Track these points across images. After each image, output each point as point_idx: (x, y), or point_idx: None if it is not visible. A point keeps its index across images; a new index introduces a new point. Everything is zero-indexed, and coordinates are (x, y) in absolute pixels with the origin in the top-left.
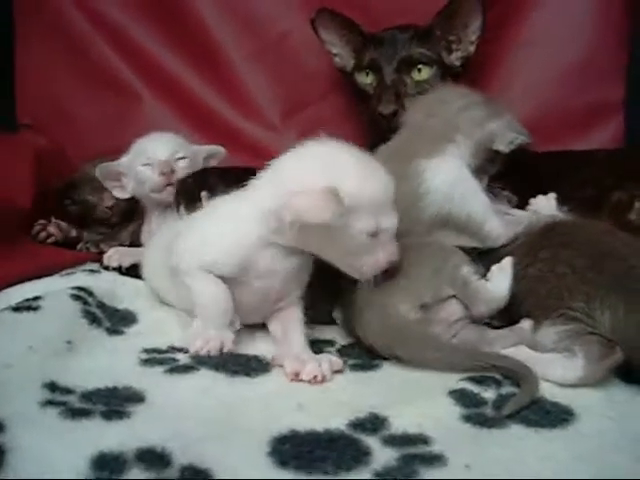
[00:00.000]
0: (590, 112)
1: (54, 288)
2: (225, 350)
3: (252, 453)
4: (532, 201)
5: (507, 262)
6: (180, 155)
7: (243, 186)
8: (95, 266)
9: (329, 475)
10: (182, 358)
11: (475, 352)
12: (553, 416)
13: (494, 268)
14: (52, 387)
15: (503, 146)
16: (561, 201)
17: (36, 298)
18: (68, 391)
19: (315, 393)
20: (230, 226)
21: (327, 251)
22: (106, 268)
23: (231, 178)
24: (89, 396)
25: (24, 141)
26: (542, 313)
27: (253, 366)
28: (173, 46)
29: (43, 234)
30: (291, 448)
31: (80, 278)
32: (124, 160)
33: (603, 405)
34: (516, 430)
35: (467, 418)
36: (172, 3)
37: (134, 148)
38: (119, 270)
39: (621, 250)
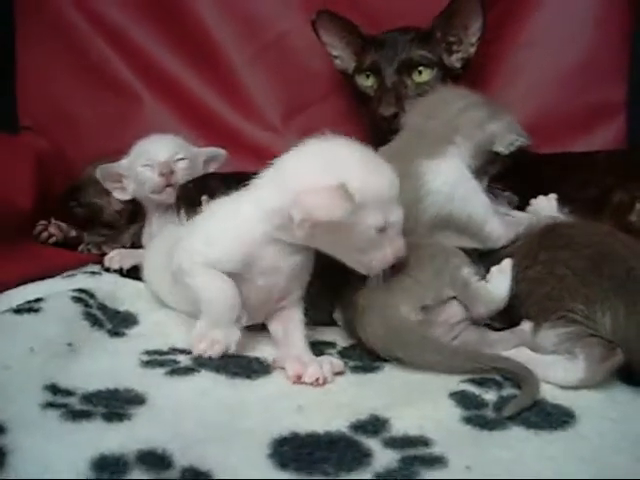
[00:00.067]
0: (591, 113)
1: (55, 290)
2: (230, 352)
3: (252, 455)
4: (533, 201)
5: (507, 264)
6: (180, 156)
7: (244, 187)
8: (96, 268)
9: (330, 476)
10: (183, 360)
11: (476, 354)
12: (554, 418)
13: (494, 270)
14: (53, 389)
15: (503, 148)
16: (562, 202)
17: (37, 300)
18: (69, 393)
19: (316, 395)
20: (233, 224)
21: (336, 248)
22: (107, 270)
23: (232, 183)
24: (90, 398)
25: (25, 143)
26: (542, 315)
27: (254, 368)
28: (174, 47)
29: (45, 234)
30: (291, 450)
31: (81, 280)
32: (124, 161)
33: (604, 407)
34: (517, 432)
35: (468, 420)
36: (172, 4)
37: (134, 150)
38: (120, 272)
39: (621, 252)
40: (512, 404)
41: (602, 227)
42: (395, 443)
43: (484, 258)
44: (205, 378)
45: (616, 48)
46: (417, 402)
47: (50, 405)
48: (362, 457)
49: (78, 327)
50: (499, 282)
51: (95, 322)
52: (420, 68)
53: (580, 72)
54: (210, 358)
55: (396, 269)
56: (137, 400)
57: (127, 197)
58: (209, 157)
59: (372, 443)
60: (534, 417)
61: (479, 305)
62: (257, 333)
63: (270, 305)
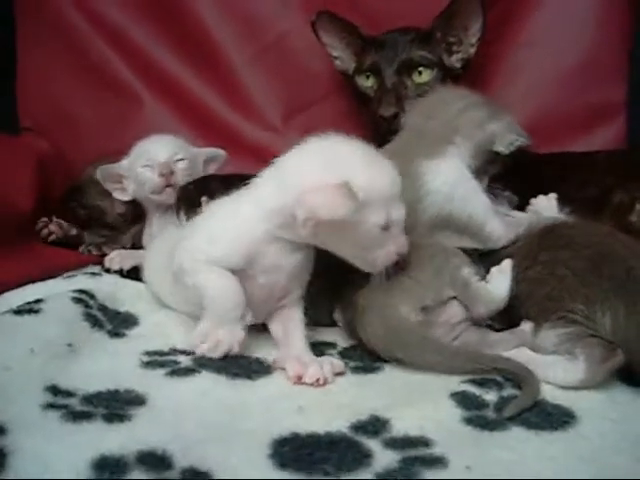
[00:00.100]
0: (592, 113)
1: (55, 291)
2: (233, 352)
3: (253, 455)
4: (533, 201)
5: (507, 264)
6: (180, 157)
7: (245, 186)
8: (97, 269)
9: (330, 477)
10: (183, 360)
11: (476, 354)
12: (554, 418)
13: (494, 270)
14: (53, 390)
15: (503, 147)
16: (562, 202)
17: (37, 301)
18: (69, 394)
19: (316, 395)
20: (234, 223)
21: (340, 246)
22: (107, 271)
23: (232, 185)
24: (90, 399)
25: (25, 144)
26: (542, 315)
27: (254, 368)
28: (174, 48)
29: (45, 231)
30: (292, 450)
31: (81, 281)
32: (124, 162)
33: (604, 407)
34: (517, 432)
35: (468, 420)
36: (172, 5)
37: (134, 150)
38: (120, 273)
39: (621, 252)
40: (513, 404)
41: (602, 227)
42: (395, 444)
43: (484, 258)
44: (205, 379)
45: (616, 48)
46: (417, 403)
47: (50, 406)
48: (362, 458)
49: (78, 328)
50: (499, 282)
51: (95, 323)
52: (420, 69)
53: (580, 72)
54: (211, 358)
55: (399, 266)
56: (137, 401)
57: (127, 198)
58: (209, 157)
59: (372, 444)
60: (534, 417)
61: (479, 305)
62: (258, 333)
63: (271, 304)
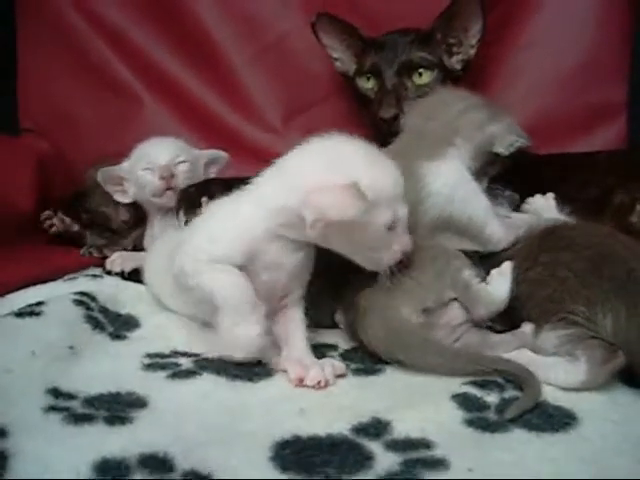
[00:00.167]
0: (592, 114)
1: (57, 293)
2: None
3: (254, 458)
4: (530, 200)
5: (507, 266)
6: (180, 159)
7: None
8: (98, 271)
9: (331, 479)
10: (184, 363)
11: (477, 356)
12: (556, 420)
13: (494, 272)
14: (55, 392)
15: (503, 149)
16: (562, 203)
17: (39, 303)
18: (71, 396)
19: (317, 398)
20: (235, 221)
21: (347, 246)
22: (109, 273)
23: (234, 188)
24: (92, 401)
25: (26, 145)
26: (543, 317)
27: (255, 370)
28: (174, 49)
29: (48, 222)
30: (293, 453)
31: (83, 283)
32: (125, 164)
33: (606, 409)
34: (519, 434)
35: (470, 422)
36: (172, 6)
37: (135, 153)
38: (122, 275)
39: (622, 253)
40: (514, 406)
41: (602, 228)
42: (397, 446)
43: (484, 261)
44: (206, 381)
45: (616, 49)
46: (419, 404)
47: (52, 409)
48: (364, 460)
49: (79, 330)
50: (499, 284)
51: (97, 325)
52: (420, 70)
53: (580, 73)
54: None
55: (403, 264)
56: (139, 403)
57: (128, 200)
58: (210, 159)
59: (374, 446)
60: (536, 419)
61: (480, 307)
62: None
63: (273, 303)
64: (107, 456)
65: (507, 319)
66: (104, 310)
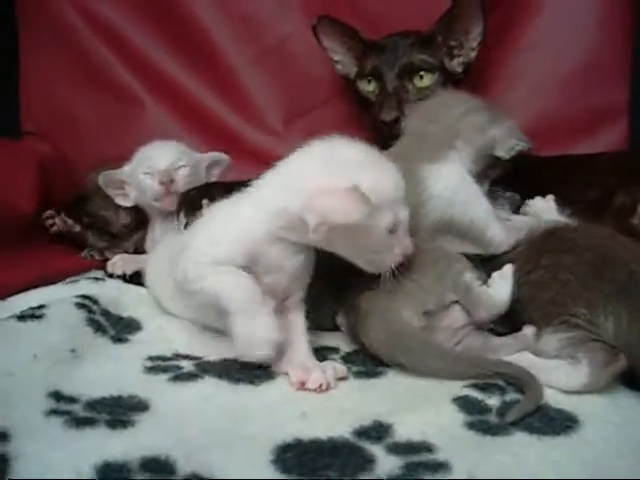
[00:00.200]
0: (594, 116)
1: (58, 296)
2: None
3: (256, 461)
4: (530, 202)
5: (508, 269)
6: (181, 164)
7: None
8: (99, 274)
9: None
10: (186, 365)
11: (478, 359)
12: (557, 423)
13: (495, 275)
14: (56, 396)
15: (503, 152)
16: (563, 205)
17: (40, 306)
18: (72, 400)
19: (319, 401)
20: (234, 225)
21: (349, 249)
22: (110, 275)
23: (235, 191)
24: (93, 405)
25: (28, 148)
26: (544, 320)
27: (257, 373)
28: (175, 52)
29: (50, 221)
30: (295, 456)
31: (84, 286)
32: (127, 168)
33: (607, 412)
34: (520, 437)
35: (471, 425)
36: (174, 9)
37: (136, 157)
38: (123, 277)
39: (623, 255)
40: (515, 409)
41: (603, 230)
42: (398, 449)
43: (486, 263)
44: (208, 384)
45: (617, 50)
46: (420, 407)
47: (54, 412)
48: (365, 463)
49: (81, 333)
50: (500, 287)
51: (98, 328)
52: (421, 73)
53: (582, 75)
54: (213, 363)
55: (404, 267)
56: (140, 406)
57: (129, 203)
58: (212, 162)
59: (375, 449)
60: (537, 422)
61: (481, 309)
62: None
63: (275, 306)
64: (109, 459)
65: (508, 322)
66: (106, 313)
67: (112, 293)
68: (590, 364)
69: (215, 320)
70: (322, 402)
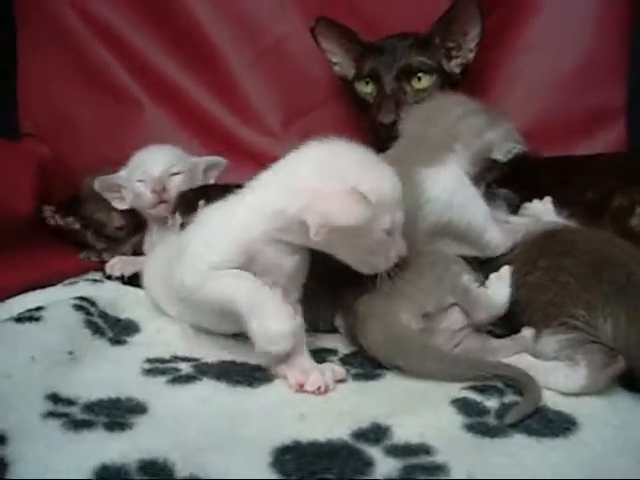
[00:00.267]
0: (591, 117)
1: (56, 298)
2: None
3: (254, 463)
4: (527, 205)
5: (505, 270)
6: (176, 170)
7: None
8: (98, 275)
9: None
10: (184, 368)
11: (477, 362)
12: (556, 425)
13: (492, 277)
14: (54, 398)
15: (501, 155)
16: (561, 206)
17: (38, 308)
18: (70, 402)
19: (317, 403)
20: (230, 225)
21: (347, 251)
22: (109, 277)
23: (232, 194)
24: (91, 407)
25: (26, 150)
26: (543, 321)
27: (255, 376)
28: (173, 53)
29: (49, 214)
30: (293, 458)
31: (82, 288)
32: (123, 173)
33: (606, 413)
34: (519, 439)
35: (469, 427)
36: (172, 10)
37: (132, 161)
38: (121, 279)
39: (621, 257)
40: (514, 411)
41: (603, 234)
42: (397, 451)
43: (484, 266)
44: (206, 386)
45: (615, 51)
46: (419, 409)
47: (51, 414)
48: (364, 465)
49: (79, 335)
50: (499, 288)
51: (96, 330)
52: (419, 74)
53: (579, 76)
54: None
55: (399, 267)
56: (138, 409)
57: (126, 207)
58: (209, 165)
59: (374, 451)
60: (536, 424)
61: (480, 311)
62: None
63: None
64: (107, 462)
65: (507, 324)
66: (104, 315)
67: (110, 295)
68: (588, 366)
69: (213, 323)
70: (320, 404)
